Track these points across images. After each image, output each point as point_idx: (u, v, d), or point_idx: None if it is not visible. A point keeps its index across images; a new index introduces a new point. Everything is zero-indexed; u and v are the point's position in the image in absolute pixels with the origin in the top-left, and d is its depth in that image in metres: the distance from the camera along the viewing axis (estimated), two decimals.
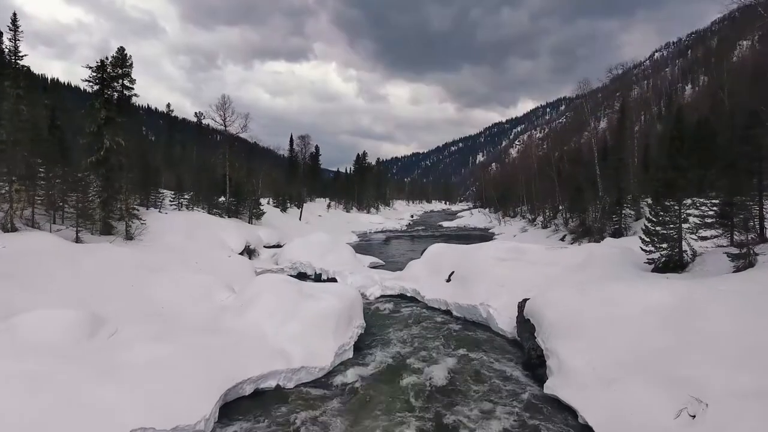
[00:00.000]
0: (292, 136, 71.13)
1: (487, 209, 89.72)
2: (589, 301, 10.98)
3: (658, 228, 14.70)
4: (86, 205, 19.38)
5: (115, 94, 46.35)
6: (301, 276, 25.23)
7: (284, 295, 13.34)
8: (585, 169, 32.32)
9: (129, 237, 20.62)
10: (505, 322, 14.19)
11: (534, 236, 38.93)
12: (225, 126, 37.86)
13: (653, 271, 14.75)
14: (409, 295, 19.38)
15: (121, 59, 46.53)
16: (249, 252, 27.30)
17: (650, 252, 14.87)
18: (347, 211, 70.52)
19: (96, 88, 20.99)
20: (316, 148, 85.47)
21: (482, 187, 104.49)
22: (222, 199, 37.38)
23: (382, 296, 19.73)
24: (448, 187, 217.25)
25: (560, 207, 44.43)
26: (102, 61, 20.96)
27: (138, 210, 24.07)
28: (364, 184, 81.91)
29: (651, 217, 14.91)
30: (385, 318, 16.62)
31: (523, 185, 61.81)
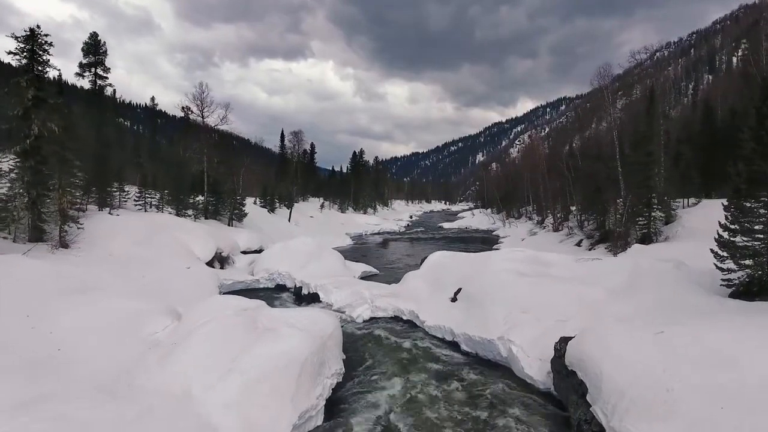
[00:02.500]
0: (283, 131, 67.28)
1: (489, 210, 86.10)
2: (676, 354, 7.22)
3: (737, 239, 11.00)
4: (6, 205, 15.61)
5: (87, 84, 43.27)
6: (280, 289, 21.55)
7: (229, 332, 9.58)
8: (605, 166, 28.60)
9: (64, 245, 16.84)
10: (534, 367, 10.43)
11: (545, 240, 35.17)
12: (203, 117, 34.11)
13: (732, 296, 11.03)
14: (405, 318, 15.63)
15: (94, 46, 42.74)
16: (221, 260, 23.51)
17: (728, 271, 11.14)
18: (342, 212, 66.68)
19: (24, 62, 17.18)
20: (312, 145, 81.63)
21: (484, 186, 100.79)
22: (200, 198, 33.64)
23: (373, 319, 15.97)
24: (448, 187, 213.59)
25: (572, 208, 40.74)
26: (32, 30, 17.17)
27: (84, 211, 20.33)
28: (360, 183, 78.06)
29: (728, 223, 11.19)
30: (373, 352, 12.86)
31: (528, 184, 58.14)
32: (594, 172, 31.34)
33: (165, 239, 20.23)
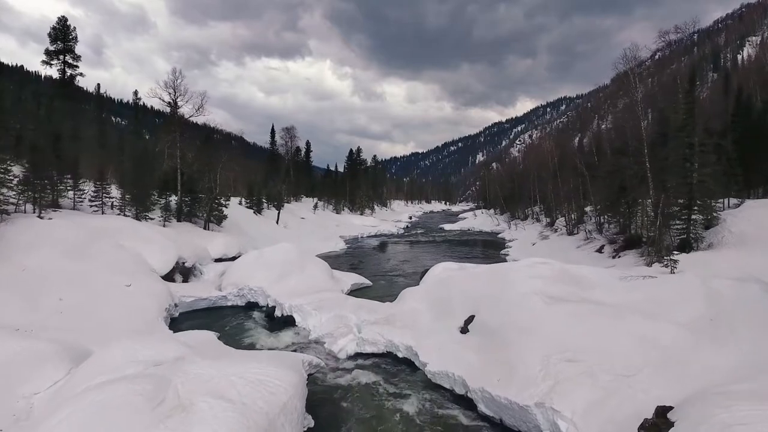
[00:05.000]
0: (273, 126, 63.53)
1: (491, 210, 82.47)
2: None
3: None
4: None
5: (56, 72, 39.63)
6: (251, 307, 17.89)
7: (114, 413, 5.91)
8: (632, 161, 24.95)
9: None
10: None
11: (560, 246, 31.53)
12: (176, 107, 30.41)
13: None
14: (400, 355, 11.93)
15: (63, 31, 39.34)
16: (184, 272, 19.83)
17: None
18: (337, 213, 63.02)
19: None
20: (307, 143, 78.15)
21: (486, 186, 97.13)
22: (173, 198, 30.01)
23: (359, 355, 12.29)
24: (448, 187, 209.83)
25: (586, 209, 37.13)
26: None
27: (8, 213, 16.67)
28: (357, 182, 74.37)
29: None
30: (355, 414, 9.20)
31: (535, 183, 54.56)
32: (616, 168, 27.72)
33: (107, 248, 16.54)
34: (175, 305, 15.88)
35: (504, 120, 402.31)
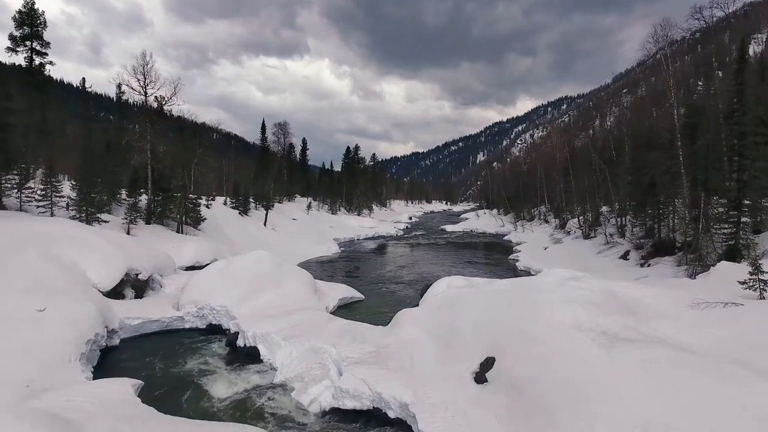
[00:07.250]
0: (264, 121, 60.01)
1: (494, 210, 79.20)
2: None
3: None
4: None
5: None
6: (213, 330, 14.61)
7: None
8: (665, 155, 21.62)
9: None
10: None
11: (577, 250, 28.22)
12: (145, 95, 27.10)
13: None
14: (392, 415, 8.59)
15: (29, 15, 35.95)
16: (137, 285, 16.50)
17: None
18: (333, 213, 59.71)
19: None
20: (304, 141, 74.93)
21: (488, 185, 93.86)
22: (144, 198, 26.79)
23: (335, 411, 8.97)
24: (449, 187, 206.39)
25: (602, 209, 33.85)
26: None
27: None
28: (354, 181, 71.03)
29: None
30: None
31: (543, 181, 51.35)
32: (644, 164, 24.40)
33: (31, 261, 13.25)
34: (111, 332, 12.58)
35: (504, 119, 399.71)
